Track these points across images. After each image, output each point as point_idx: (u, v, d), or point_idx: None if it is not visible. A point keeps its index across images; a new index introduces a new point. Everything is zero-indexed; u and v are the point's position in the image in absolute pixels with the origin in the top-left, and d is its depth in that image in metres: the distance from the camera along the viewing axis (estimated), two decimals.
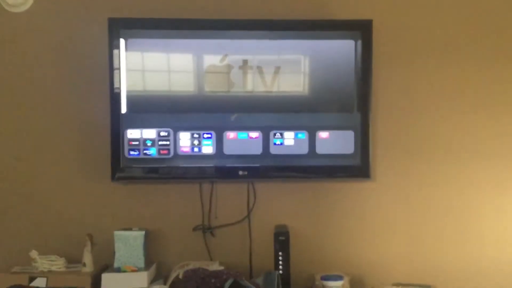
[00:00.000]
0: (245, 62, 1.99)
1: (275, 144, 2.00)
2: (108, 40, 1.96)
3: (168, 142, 1.98)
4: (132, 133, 1.97)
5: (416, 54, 2.09)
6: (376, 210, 2.10)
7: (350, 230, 2.10)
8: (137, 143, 1.98)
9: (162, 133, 1.97)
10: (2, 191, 2.08)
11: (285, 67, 2.00)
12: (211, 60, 2.00)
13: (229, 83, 2.00)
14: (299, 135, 2.00)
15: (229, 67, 1.99)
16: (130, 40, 1.97)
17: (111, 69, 1.96)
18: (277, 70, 2.00)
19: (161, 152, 1.98)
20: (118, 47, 1.96)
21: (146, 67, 2.00)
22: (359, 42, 1.99)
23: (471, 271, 2.08)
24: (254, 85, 2.00)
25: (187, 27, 1.99)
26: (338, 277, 1.90)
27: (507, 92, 2.10)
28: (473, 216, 2.10)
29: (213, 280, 1.49)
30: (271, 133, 2.00)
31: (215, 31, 1.99)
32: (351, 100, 2.01)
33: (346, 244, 2.10)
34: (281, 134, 2.00)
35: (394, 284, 2.04)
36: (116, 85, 1.96)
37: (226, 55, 1.99)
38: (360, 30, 1.99)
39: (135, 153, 1.97)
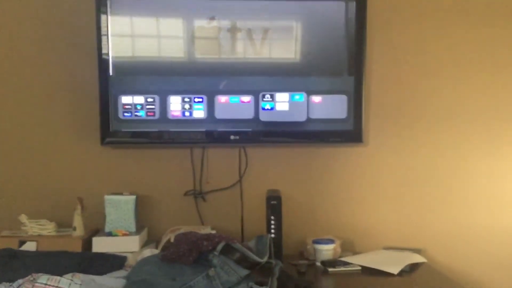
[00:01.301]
0: (234, 25, 1.95)
1: (263, 109, 1.97)
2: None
3: (153, 106, 1.94)
4: (126, 99, 1.94)
5: (412, 17, 2.06)
6: (368, 175, 2.10)
7: (342, 195, 2.11)
8: (129, 107, 1.94)
9: (149, 99, 1.94)
10: None
11: (275, 30, 1.96)
12: (200, 23, 1.95)
13: (219, 48, 1.96)
14: (296, 98, 1.97)
15: (219, 30, 1.95)
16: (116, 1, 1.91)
17: (98, 34, 1.91)
18: (267, 33, 1.96)
19: (148, 114, 1.95)
20: (105, 11, 1.90)
21: (134, 31, 1.94)
22: (353, 4, 1.94)
23: (462, 235, 2.10)
24: (244, 49, 1.96)
25: None
26: (330, 241, 1.90)
27: (501, 58, 2.08)
28: (464, 181, 2.10)
29: (205, 243, 1.48)
30: (260, 96, 1.97)
31: None
32: (344, 64, 1.98)
33: (338, 209, 2.11)
34: (272, 97, 1.97)
35: (385, 248, 2.06)
36: (104, 51, 1.91)
37: (214, 18, 1.94)
38: None
39: (128, 114, 1.94)
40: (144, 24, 1.95)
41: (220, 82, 1.96)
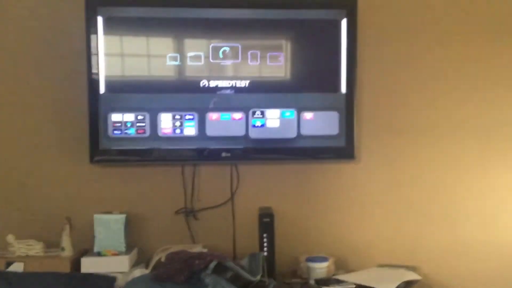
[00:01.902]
0: (224, 43, 1.94)
1: (254, 126, 1.96)
2: (85, 19, 1.89)
3: (144, 124, 1.93)
4: (116, 117, 1.92)
5: (402, 34, 2.07)
6: (361, 192, 2.09)
7: (335, 212, 2.09)
8: (119, 124, 1.92)
9: (139, 117, 1.92)
10: None
11: (266, 47, 1.96)
12: (190, 42, 1.95)
13: (211, 67, 1.95)
14: (287, 115, 1.97)
15: (209, 48, 1.94)
16: (108, 19, 1.90)
17: (88, 53, 1.90)
18: (259, 50, 1.95)
19: (138, 132, 1.93)
20: (95, 27, 1.89)
21: (125, 50, 1.93)
22: (344, 20, 1.95)
23: (456, 252, 2.09)
24: (234, 66, 1.96)
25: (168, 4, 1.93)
26: (323, 259, 1.88)
27: (493, 73, 2.09)
28: (458, 198, 2.10)
29: (197, 262, 1.46)
30: (251, 113, 1.96)
31: (196, 9, 1.93)
32: (335, 81, 1.98)
33: (331, 226, 2.09)
34: (263, 114, 1.96)
35: (379, 265, 2.04)
36: (94, 69, 1.90)
37: (208, 38, 1.94)
38: (345, 8, 1.95)
39: (118, 132, 1.92)
40: (134, 43, 1.94)
41: (211, 100, 1.95)
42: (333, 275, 1.87)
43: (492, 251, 2.09)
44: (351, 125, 1.99)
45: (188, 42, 1.96)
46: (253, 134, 1.97)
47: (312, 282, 1.83)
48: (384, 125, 2.09)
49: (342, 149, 2.00)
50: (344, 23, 1.95)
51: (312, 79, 1.99)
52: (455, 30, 2.08)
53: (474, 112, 2.09)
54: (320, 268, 1.85)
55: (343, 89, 1.98)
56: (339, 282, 1.78)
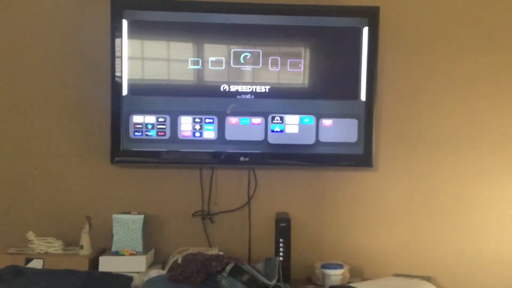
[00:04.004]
0: (244, 49, 1.96)
1: (272, 131, 1.97)
2: (110, 22, 1.93)
3: (164, 126, 1.95)
4: (137, 118, 1.95)
5: (423, 43, 2.07)
6: (377, 200, 2.08)
7: (351, 220, 2.09)
8: (140, 126, 1.95)
9: (160, 119, 1.95)
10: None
11: (286, 54, 1.97)
12: (213, 48, 1.97)
13: (231, 72, 1.97)
14: (306, 121, 1.98)
15: (229, 54, 1.96)
16: (132, 22, 1.93)
17: (112, 55, 1.93)
18: (280, 56, 1.97)
19: (159, 134, 1.95)
20: (120, 30, 1.92)
21: (148, 54, 1.96)
22: (366, 29, 1.96)
23: (471, 263, 2.07)
24: (254, 72, 1.97)
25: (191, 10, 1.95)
26: (338, 266, 1.88)
27: None
28: (475, 208, 2.08)
29: (213, 264, 1.47)
30: (270, 118, 1.97)
31: (218, 14, 1.95)
32: (355, 88, 1.98)
33: (347, 234, 2.08)
34: (282, 120, 1.97)
35: (394, 275, 2.02)
36: (117, 71, 1.93)
37: (229, 44, 1.96)
38: (367, 16, 1.96)
39: (139, 133, 1.95)
40: (157, 47, 1.97)
41: (230, 104, 1.97)
42: (348, 283, 1.87)
43: (509, 264, 2.07)
44: (370, 133, 1.99)
45: (210, 47, 1.98)
46: (272, 139, 1.98)
47: None
48: (403, 134, 2.08)
49: (360, 156, 2.00)
50: (365, 31, 1.96)
51: (332, 86, 1.99)
52: (477, 40, 2.07)
53: (495, 123, 2.08)
54: (335, 275, 1.85)
55: (363, 96, 1.98)
56: None
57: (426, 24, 2.07)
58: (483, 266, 2.07)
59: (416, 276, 1.98)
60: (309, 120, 1.98)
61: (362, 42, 1.97)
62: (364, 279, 1.97)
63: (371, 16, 1.96)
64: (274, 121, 1.98)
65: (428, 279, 1.96)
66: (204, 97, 1.97)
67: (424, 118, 2.08)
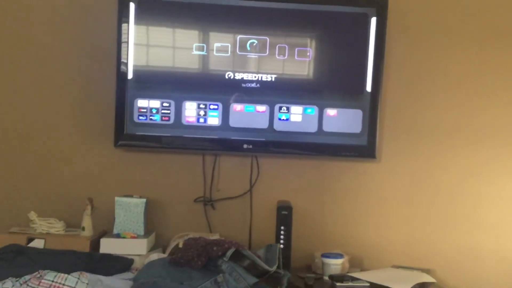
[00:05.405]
0: (250, 38, 1.95)
1: (279, 119, 1.97)
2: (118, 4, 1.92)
3: (169, 111, 1.95)
4: (142, 103, 1.95)
5: (430, 37, 2.06)
6: (379, 191, 2.09)
7: (352, 210, 2.09)
8: (145, 110, 1.95)
9: (164, 104, 1.95)
10: (2, 152, 2.06)
11: (296, 42, 1.96)
12: (219, 35, 1.96)
13: (237, 60, 1.96)
14: (308, 111, 1.97)
15: (239, 41, 1.95)
16: (140, 3, 1.92)
17: (119, 40, 1.93)
18: (287, 44, 1.96)
19: (163, 118, 1.95)
20: (127, 13, 1.91)
21: (154, 40, 1.96)
22: (374, 19, 1.95)
23: (471, 257, 2.07)
24: (259, 62, 1.96)
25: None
26: (338, 255, 1.89)
27: None
28: (477, 204, 2.08)
29: (214, 248, 1.47)
30: (277, 108, 1.97)
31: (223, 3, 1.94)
32: (362, 79, 1.98)
33: (348, 224, 2.09)
34: (288, 109, 1.97)
35: (393, 266, 2.03)
36: (123, 56, 1.93)
37: (236, 30, 1.95)
38: (375, 7, 1.95)
39: (143, 117, 1.95)
40: (163, 31, 1.96)
41: (235, 91, 1.96)
42: (347, 272, 1.87)
43: (508, 257, 2.07)
44: (374, 124, 1.99)
45: (215, 33, 1.96)
46: (278, 127, 1.97)
47: (326, 278, 1.83)
48: (407, 126, 2.08)
49: (363, 147, 2.00)
50: (373, 21, 1.95)
51: (339, 76, 1.99)
52: (484, 33, 2.06)
53: (499, 118, 2.07)
54: (335, 265, 1.86)
55: (369, 87, 1.97)
56: (353, 279, 1.77)
57: (433, 17, 2.06)
58: (483, 259, 2.07)
59: (416, 269, 1.99)
60: (312, 110, 1.97)
61: (369, 32, 1.96)
62: (363, 269, 1.97)
63: (380, 6, 1.95)
64: (281, 111, 1.97)
65: (427, 271, 1.97)
66: (209, 84, 1.96)
67: (429, 111, 2.08)
